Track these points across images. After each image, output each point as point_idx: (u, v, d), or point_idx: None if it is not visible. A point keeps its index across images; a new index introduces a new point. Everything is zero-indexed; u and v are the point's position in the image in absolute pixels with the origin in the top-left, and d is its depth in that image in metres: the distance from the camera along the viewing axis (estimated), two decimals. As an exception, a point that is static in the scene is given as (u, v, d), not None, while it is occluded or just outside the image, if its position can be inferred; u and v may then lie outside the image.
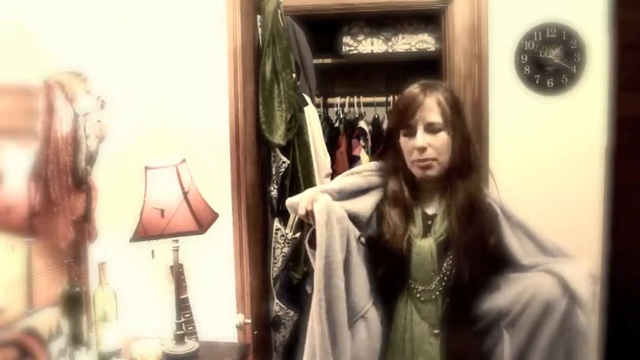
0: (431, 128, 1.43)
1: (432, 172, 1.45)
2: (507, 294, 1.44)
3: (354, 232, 1.47)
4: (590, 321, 1.39)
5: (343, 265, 1.39)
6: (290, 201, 1.48)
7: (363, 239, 1.49)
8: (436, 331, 1.45)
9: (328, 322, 1.34)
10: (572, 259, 1.47)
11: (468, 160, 1.47)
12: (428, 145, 1.43)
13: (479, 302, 1.47)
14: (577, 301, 1.36)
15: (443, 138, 1.44)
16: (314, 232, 1.43)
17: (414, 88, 1.47)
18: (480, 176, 1.50)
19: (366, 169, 1.57)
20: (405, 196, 1.48)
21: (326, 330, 1.34)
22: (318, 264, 1.36)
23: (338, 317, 1.36)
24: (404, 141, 1.47)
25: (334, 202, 1.42)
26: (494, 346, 1.45)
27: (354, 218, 1.47)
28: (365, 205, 1.50)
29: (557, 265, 1.44)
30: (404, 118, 1.45)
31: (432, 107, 1.43)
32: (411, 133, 1.44)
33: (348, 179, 1.54)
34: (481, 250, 1.44)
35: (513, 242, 1.48)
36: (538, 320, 1.40)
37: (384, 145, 1.58)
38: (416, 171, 1.47)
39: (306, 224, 1.49)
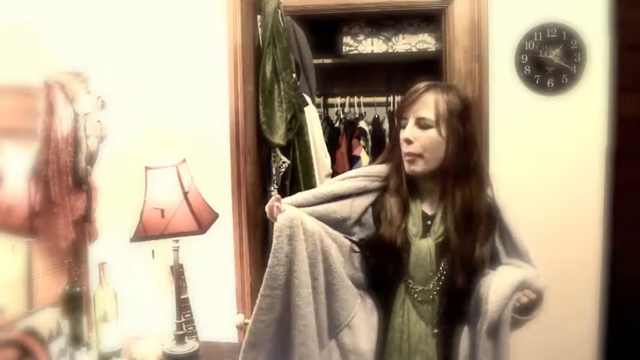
0: (420, 123, 1.43)
1: (416, 168, 1.45)
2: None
3: (342, 242, 1.48)
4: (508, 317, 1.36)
5: (324, 279, 1.41)
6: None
7: (355, 247, 1.50)
8: (435, 331, 1.46)
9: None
10: (533, 267, 1.46)
11: (466, 165, 1.44)
12: (414, 139, 1.43)
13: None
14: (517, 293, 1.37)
15: (432, 136, 1.42)
16: None
17: (420, 84, 1.47)
18: (482, 183, 1.48)
19: (359, 174, 1.57)
20: (403, 188, 1.49)
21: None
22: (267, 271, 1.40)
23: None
24: (400, 133, 1.48)
25: (307, 217, 1.42)
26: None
27: (339, 222, 1.49)
28: (352, 207, 1.50)
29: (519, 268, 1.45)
30: (400, 110, 1.48)
31: (426, 103, 1.43)
32: (404, 125, 1.46)
33: (340, 183, 1.53)
34: (476, 254, 1.43)
35: (500, 241, 1.50)
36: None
37: (393, 140, 1.59)
38: (405, 165, 1.47)
39: None
